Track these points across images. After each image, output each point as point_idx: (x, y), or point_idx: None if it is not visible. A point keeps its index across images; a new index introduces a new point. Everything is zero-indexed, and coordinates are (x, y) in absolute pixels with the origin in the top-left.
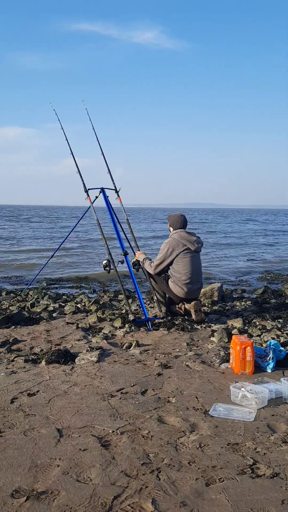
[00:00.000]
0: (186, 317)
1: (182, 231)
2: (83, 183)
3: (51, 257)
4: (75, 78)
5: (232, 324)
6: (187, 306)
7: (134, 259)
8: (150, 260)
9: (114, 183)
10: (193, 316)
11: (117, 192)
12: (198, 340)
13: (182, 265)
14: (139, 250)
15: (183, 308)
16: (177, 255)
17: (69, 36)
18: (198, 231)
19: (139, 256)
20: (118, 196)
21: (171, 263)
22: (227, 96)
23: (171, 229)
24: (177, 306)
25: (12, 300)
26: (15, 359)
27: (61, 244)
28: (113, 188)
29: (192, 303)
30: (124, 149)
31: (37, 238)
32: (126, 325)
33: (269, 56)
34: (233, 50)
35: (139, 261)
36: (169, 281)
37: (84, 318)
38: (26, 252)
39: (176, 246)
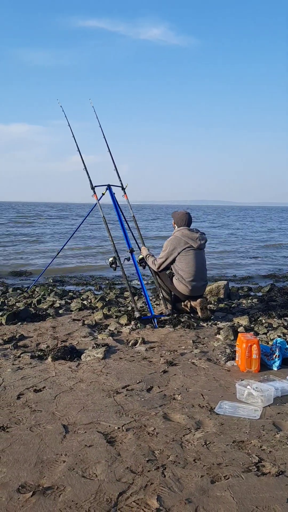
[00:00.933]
0: (192, 315)
1: (185, 229)
2: (90, 180)
3: (57, 255)
4: (82, 75)
5: (238, 322)
6: (193, 303)
7: (141, 256)
8: (154, 257)
9: (120, 180)
10: (199, 314)
11: (123, 189)
12: (204, 338)
13: (185, 263)
14: (144, 245)
15: (189, 306)
16: (179, 253)
17: (76, 33)
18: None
19: (143, 251)
20: (125, 193)
21: (173, 260)
22: (234, 93)
23: (175, 226)
24: (182, 303)
25: (18, 297)
26: (21, 355)
27: (67, 242)
28: (120, 185)
29: (198, 300)
30: (130, 146)
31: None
32: (132, 322)
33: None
34: (242, 46)
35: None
36: (174, 279)
37: (90, 315)
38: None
39: (178, 244)
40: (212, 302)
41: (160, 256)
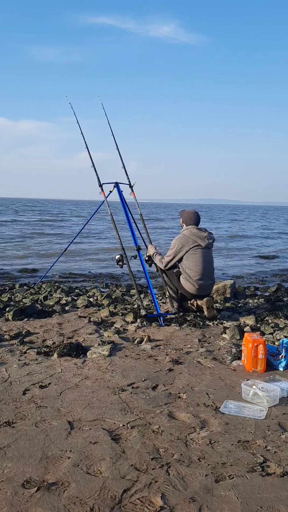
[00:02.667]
0: (198, 313)
1: (193, 227)
2: (98, 178)
3: (63, 252)
4: (91, 71)
5: (244, 322)
6: (199, 302)
7: (148, 254)
8: (161, 255)
9: (128, 178)
10: (205, 313)
11: (131, 187)
12: (210, 337)
13: (193, 262)
14: (151, 243)
15: (195, 304)
16: (187, 252)
17: (86, 30)
18: None
19: (150, 249)
20: (132, 191)
21: (181, 259)
22: (240, 92)
23: (184, 225)
24: (189, 302)
25: (25, 293)
26: (27, 351)
27: (74, 239)
28: (128, 183)
29: (205, 299)
30: (138, 144)
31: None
32: (138, 320)
33: None
34: (254, 44)
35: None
36: (181, 278)
37: (96, 312)
38: None
39: (186, 242)
40: (219, 301)
41: (168, 254)
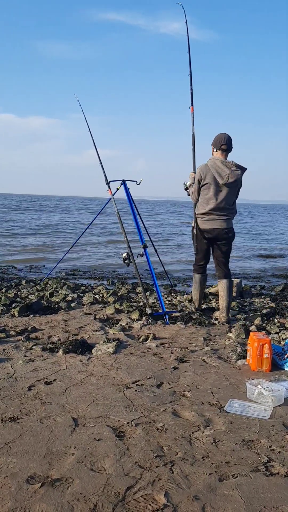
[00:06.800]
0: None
1: (219, 159)
2: (105, 175)
3: (70, 248)
4: (101, 67)
5: (250, 321)
6: (216, 314)
7: (188, 183)
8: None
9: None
10: (220, 319)
11: (138, 184)
12: (215, 336)
13: (205, 198)
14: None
15: (213, 317)
16: (204, 184)
17: (96, 26)
18: None
19: (190, 178)
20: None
21: (199, 190)
22: (255, 88)
23: (214, 150)
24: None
25: (31, 289)
26: (33, 347)
27: (79, 237)
28: (134, 180)
29: (222, 315)
30: (147, 140)
31: None
32: (143, 318)
33: None
34: (267, 40)
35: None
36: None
37: (102, 309)
38: None
39: (204, 173)
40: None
41: (190, 183)
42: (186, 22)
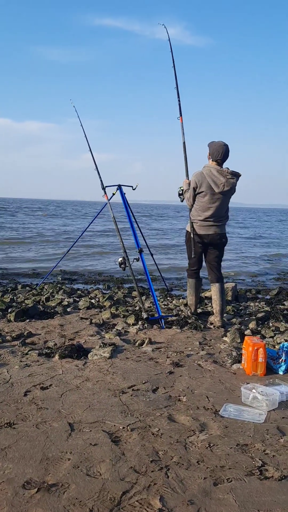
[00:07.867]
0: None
1: (214, 168)
2: (101, 180)
3: (66, 253)
4: (97, 72)
5: (245, 325)
6: (211, 318)
7: (182, 188)
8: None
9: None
10: (215, 323)
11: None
12: (210, 340)
13: (200, 205)
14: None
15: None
16: (199, 192)
17: (92, 31)
18: None
19: (184, 184)
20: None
21: (195, 197)
22: (253, 92)
23: (210, 159)
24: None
25: (27, 294)
26: (29, 352)
27: (76, 241)
28: (130, 185)
29: (217, 319)
30: (143, 144)
31: None
32: (139, 322)
33: None
34: (267, 44)
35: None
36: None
37: (98, 314)
38: None
39: (200, 182)
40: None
41: (185, 190)
42: (169, 40)
